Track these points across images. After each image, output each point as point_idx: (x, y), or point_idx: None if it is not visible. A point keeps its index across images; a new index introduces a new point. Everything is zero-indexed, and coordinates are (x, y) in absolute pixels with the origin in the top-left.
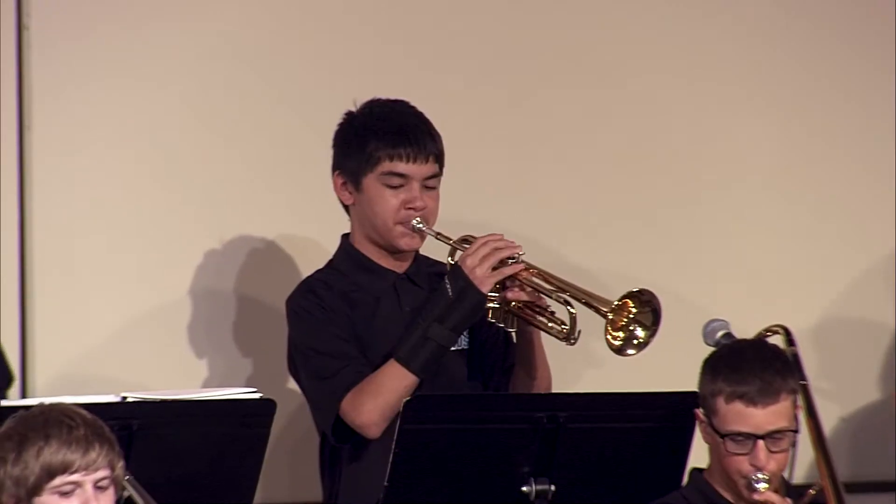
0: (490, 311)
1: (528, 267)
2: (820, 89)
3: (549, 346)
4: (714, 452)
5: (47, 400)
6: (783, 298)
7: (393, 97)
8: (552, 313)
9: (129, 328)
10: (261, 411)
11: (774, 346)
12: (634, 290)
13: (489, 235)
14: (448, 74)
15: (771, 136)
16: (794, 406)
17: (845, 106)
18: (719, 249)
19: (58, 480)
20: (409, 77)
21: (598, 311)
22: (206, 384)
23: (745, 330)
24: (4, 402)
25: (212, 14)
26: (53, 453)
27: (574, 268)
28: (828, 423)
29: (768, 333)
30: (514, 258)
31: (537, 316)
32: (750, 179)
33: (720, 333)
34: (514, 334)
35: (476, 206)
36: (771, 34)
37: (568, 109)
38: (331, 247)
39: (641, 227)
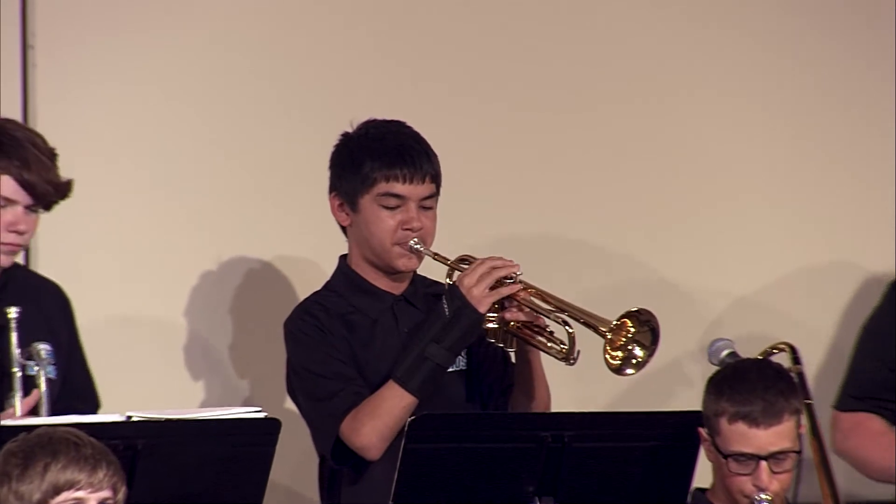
0: (489, 332)
1: (526, 287)
2: (827, 101)
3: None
4: (717, 471)
5: (51, 420)
6: (783, 313)
7: (391, 117)
8: (551, 333)
9: (127, 348)
10: (265, 430)
11: (778, 366)
12: (633, 309)
13: (488, 257)
14: (449, 90)
15: (775, 149)
16: (798, 426)
17: (849, 117)
18: (724, 263)
19: (62, 496)
20: (409, 96)
21: (596, 330)
22: (204, 405)
23: (749, 346)
24: (7, 423)
25: (214, 40)
26: (60, 470)
27: (576, 282)
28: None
29: (774, 351)
30: (511, 278)
31: (536, 336)
32: (756, 193)
33: (725, 352)
34: (512, 354)
35: (478, 220)
36: (778, 45)
37: (568, 122)
38: (328, 268)
39: (645, 240)
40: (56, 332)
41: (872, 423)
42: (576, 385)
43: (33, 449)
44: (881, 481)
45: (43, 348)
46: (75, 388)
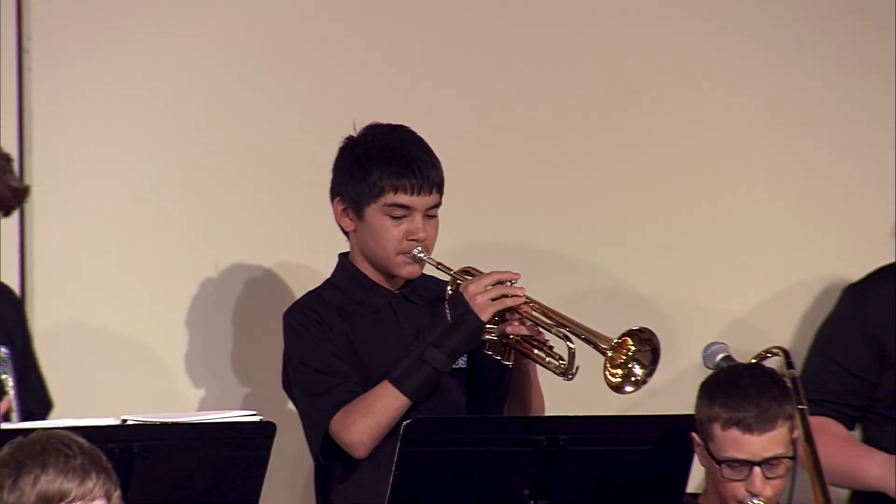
0: (488, 343)
1: (529, 300)
2: (827, 109)
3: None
4: (710, 476)
5: (48, 423)
6: (781, 318)
7: (388, 120)
8: (551, 348)
9: (124, 353)
10: (260, 434)
11: (772, 371)
12: (634, 328)
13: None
14: (444, 94)
15: (773, 152)
16: (791, 432)
17: (850, 121)
18: (721, 273)
19: None
20: (405, 100)
21: (597, 347)
22: (200, 409)
23: (744, 350)
24: (3, 426)
25: (211, 44)
26: (50, 482)
27: (576, 289)
28: None
29: (767, 355)
30: (515, 292)
31: (535, 350)
32: (752, 196)
33: (720, 356)
34: (510, 366)
35: (480, 226)
36: (777, 49)
37: (567, 127)
38: (327, 273)
39: (643, 244)
40: (11, 335)
41: (829, 427)
42: (574, 399)
43: (24, 459)
44: (835, 486)
45: (3, 352)
46: (30, 390)
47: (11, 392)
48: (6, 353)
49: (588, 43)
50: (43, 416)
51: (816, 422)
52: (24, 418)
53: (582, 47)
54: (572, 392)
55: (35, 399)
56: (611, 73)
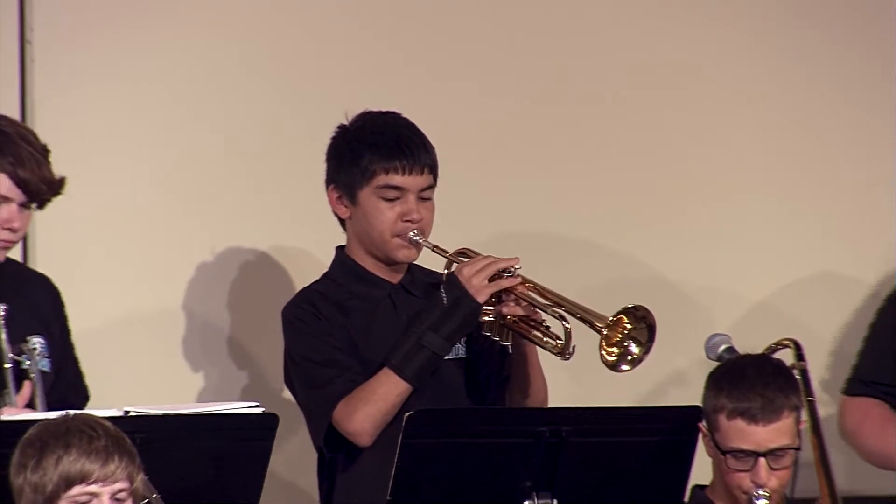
0: (485, 325)
1: (525, 281)
2: (829, 101)
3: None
4: (717, 468)
5: (51, 415)
6: (786, 311)
7: (386, 108)
8: (547, 328)
9: (125, 342)
10: (263, 425)
11: (778, 362)
12: (630, 305)
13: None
14: (445, 82)
15: (776, 146)
16: (797, 423)
17: (851, 118)
18: (724, 260)
19: (75, 490)
20: (403, 88)
21: (592, 326)
22: (201, 397)
23: (750, 344)
24: (30, 416)
25: (210, 34)
26: (72, 462)
27: (574, 280)
28: (831, 437)
29: (778, 347)
30: (510, 271)
31: (532, 330)
32: (756, 189)
33: (722, 348)
34: (509, 348)
35: (473, 215)
36: (779, 43)
37: (572, 115)
38: (324, 257)
39: (645, 236)
40: (48, 325)
41: (879, 410)
42: (574, 383)
43: (48, 440)
44: (882, 468)
45: (37, 342)
46: (67, 380)
47: (35, 379)
48: (39, 343)
49: (592, 32)
50: (80, 406)
51: (865, 404)
52: (59, 407)
53: (588, 36)
54: (582, 381)
55: (72, 388)
56: (620, 63)
